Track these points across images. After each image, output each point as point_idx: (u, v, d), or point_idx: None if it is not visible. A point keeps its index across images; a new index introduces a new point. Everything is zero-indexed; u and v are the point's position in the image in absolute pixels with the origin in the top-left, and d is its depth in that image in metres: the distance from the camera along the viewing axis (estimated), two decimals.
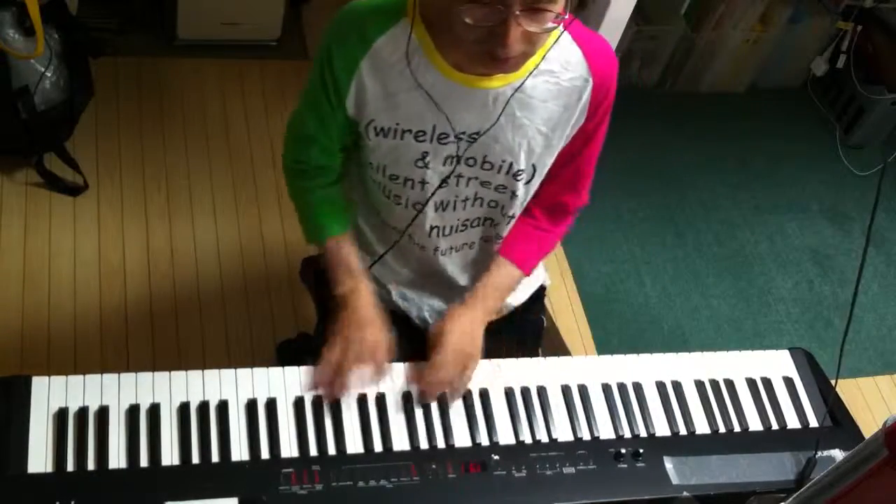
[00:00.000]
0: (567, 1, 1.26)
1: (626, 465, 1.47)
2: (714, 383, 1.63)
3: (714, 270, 3.00)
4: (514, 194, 1.55)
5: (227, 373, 1.46)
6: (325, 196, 1.63)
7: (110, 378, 1.41)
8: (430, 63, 1.39)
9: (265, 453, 1.39)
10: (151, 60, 3.05)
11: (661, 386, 1.60)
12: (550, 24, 1.26)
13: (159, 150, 2.83)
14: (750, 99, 3.59)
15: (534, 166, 1.52)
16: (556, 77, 1.43)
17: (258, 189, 2.81)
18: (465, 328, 1.54)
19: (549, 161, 1.53)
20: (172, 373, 1.44)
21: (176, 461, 1.36)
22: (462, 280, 1.72)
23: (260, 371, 1.47)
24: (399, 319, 1.75)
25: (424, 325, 1.74)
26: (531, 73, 1.41)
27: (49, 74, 2.50)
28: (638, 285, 2.89)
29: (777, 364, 1.69)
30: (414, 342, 1.65)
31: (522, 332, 1.82)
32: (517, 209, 1.60)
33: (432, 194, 1.53)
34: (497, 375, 1.55)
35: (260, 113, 3.00)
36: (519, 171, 1.51)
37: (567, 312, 2.74)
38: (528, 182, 1.54)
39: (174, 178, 2.78)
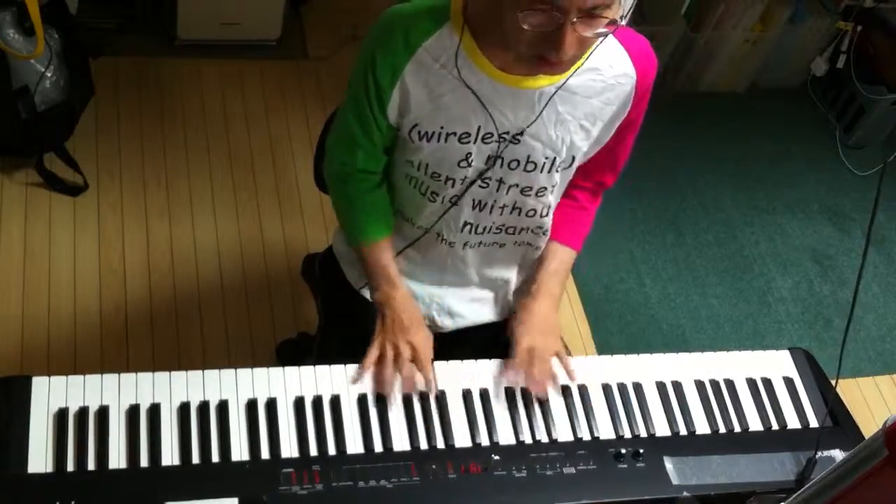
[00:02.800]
0: (621, 7, 1.28)
1: (626, 465, 1.47)
2: (714, 383, 1.63)
3: (714, 270, 3.00)
4: (553, 187, 1.58)
5: (227, 373, 1.46)
6: (370, 200, 1.63)
7: (110, 378, 1.41)
8: (474, 65, 1.41)
9: (265, 453, 1.39)
10: (151, 61, 3.05)
11: (661, 386, 1.60)
12: (603, 30, 1.28)
13: (159, 150, 2.83)
14: (750, 99, 3.59)
15: (573, 157, 1.54)
16: (601, 74, 1.45)
17: (258, 189, 2.81)
18: (538, 319, 1.60)
19: (588, 151, 1.56)
20: (172, 373, 1.44)
21: (176, 461, 1.36)
22: (478, 275, 1.72)
23: (260, 371, 1.47)
24: None
25: (431, 325, 1.75)
26: (575, 71, 1.43)
27: (49, 74, 2.50)
28: (638, 285, 2.89)
29: (777, 364, 1.69)
30: None
31: None
32: (556, 198, 1.62)
33: (467, 189, 1.55)
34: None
35: (260, 113, 3.00)
36: (560, 163, 1.54)
37: (567, 312, 2.74)
38: (566, 168, 1.56)
39: (174, 178, 2.78)
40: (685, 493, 1.46)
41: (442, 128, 1.47)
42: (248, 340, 2.49)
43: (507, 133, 1.47)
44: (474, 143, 1.48)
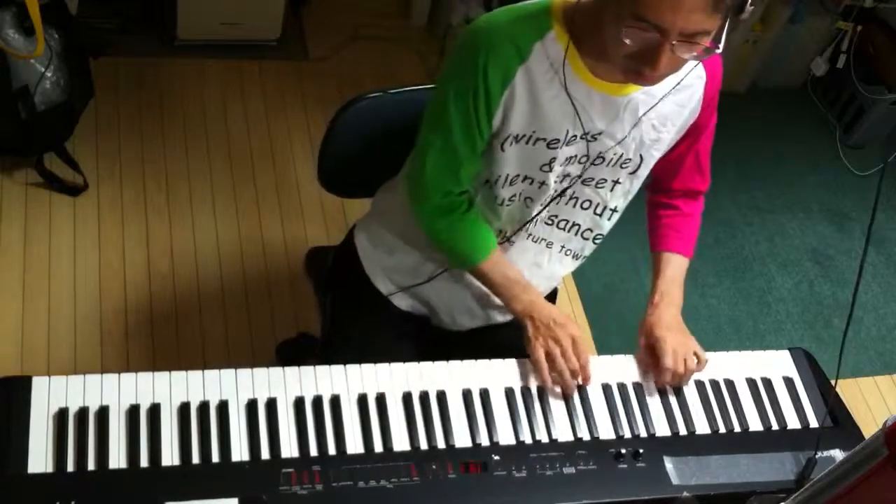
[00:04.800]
0: (718, 33, 1.30)
1: (626, 465, 1.47)
2: (714, 383, 1.63)
3: (714, 270, 3.00)
4: (616, 183, 1.59)
5: (227, 373, 1.46)
6: (474, 218, 1.62)
7: (110, 378, 1.41)
8: (575, 72, 1.43)
9: (265, 453, 1.39)
10: (151, 60, 3.05)
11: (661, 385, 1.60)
12: (699, 54, 1.31)
13: (159, 150, 2.83)
14: (750, 99, 3.59)
15: (641, 156, 1.56)
16: (677, 77, 1.47)
17: (258, 189, 2.81)
18: (671, 323, 1.64)
19: (656, 153, 1.58)
20: (172, 373, 1.44)
21: (176, 461, 1.36)
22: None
23: (260, 371, 1.47)
24: (417, 320, 1.77)
25: (452, 322, 1.76)
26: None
27: (49, 74, 2.50)
28: (638, 285, 2.89)
29: (777, 364, 1.69)
30: (428, 344, 1.66)
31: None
32: (618, 200, 1.64)
33: (544, 192, 1.57)
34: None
35: (260, 113, 3.00)
36: (627, 160, 1.55)
37: (567, 312, 2.74)
38: (633, 172, 1.58)
39: (174, 178, 2.78)
40: (685, 493, 1.46)
41: (534, 132, 1.48)
42: (248, 340, 2.49)
43: (588, 134, 1.50)
44: (560, 148, 1.50)
